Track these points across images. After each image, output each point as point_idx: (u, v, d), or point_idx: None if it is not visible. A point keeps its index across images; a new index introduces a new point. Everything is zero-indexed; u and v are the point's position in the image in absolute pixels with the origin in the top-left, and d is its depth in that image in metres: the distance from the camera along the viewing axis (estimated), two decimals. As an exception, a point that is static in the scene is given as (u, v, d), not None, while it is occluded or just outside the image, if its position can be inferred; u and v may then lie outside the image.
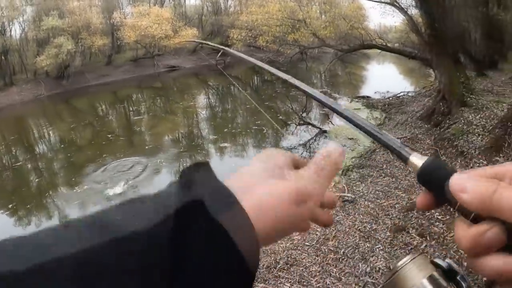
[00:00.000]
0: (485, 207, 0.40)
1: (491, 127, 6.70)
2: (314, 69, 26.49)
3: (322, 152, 0.54)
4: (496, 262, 0.41)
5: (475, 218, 0.42)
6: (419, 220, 4.98)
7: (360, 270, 4.40)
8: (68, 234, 0.37)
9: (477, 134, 6.80)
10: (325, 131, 11.20)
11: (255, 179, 0.48)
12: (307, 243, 5.23)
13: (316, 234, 5.40)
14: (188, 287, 0.38)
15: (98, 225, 0.38)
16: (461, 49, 12.90)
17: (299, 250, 5.13)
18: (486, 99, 8.78)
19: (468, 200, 0.41)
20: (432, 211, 5.07)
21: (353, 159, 8.20)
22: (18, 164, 13.24)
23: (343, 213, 5.85)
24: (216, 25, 37.72)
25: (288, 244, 5.30)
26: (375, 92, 15.71)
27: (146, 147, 12.80)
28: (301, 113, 13.31)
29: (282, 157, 0.54)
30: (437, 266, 0.53)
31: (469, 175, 0.43)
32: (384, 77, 21.71)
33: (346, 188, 6.66)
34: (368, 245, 4.83)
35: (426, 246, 4.43)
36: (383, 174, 6.91)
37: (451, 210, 0.45)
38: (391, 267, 0.53)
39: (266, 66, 0.71)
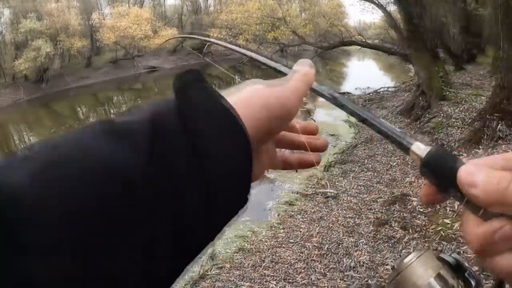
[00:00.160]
0: (497, 202, 0.37)
1: (470, 120, 6.78)
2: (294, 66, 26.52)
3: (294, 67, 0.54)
4: (508, 262, 0.38)
5: (486, 213, 0.38)
6: (402, 213, 5.03)
7: (345, 265, 4.42)
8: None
9: (456, 127, 6.89)
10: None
11: None
12: (291, 240, 5.25)
13: (300, 231, 5.42)
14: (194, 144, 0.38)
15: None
16: (440, 44, 13.06)
17: (283, 247, 5.14)
18: (465, 93, 8.88)
19: (479, 195, 0.37)
20: (414, 203, 5.12)
21: (335, 155, 8.23)
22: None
23: (326, 209, 5.88)
24: (196, 24, 37.52)
25: (272, 242, 5.31)
26: (356, 88, 15.78)
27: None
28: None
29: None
30: (443, 262, 0.49)
31: (479, 166, 0.39)
32: (365, 73, 21.87)
33: (328, 184, 6.69)
34: (352, 239, 4.86)
35: (409, 239, 4.47)
36: (365, 169, 6.96)
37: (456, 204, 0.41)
38: (395, 266, 0.50)
39: (255, 55, 0.68)
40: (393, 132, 0.47)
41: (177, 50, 35.29)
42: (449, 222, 4.33)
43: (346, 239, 4.90)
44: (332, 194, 6.29)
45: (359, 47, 16.57)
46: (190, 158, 0.37)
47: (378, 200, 5.67)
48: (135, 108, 0.41)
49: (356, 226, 5.14)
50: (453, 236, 4.10)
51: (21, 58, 27.51)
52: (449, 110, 7.72)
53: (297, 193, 6.74)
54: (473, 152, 5.68)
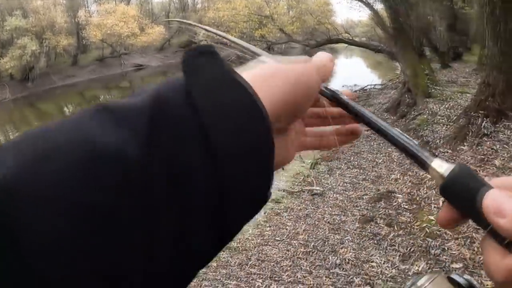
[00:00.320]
0: None
1: (455, 117, 6.82)
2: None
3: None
4: None
5: (510, 243, 0.35)
6: (387, 210, 5.04)
7: (330, 262, 4.42)
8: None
9: (441, 124, 6.92)
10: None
11: None
12: (277, 238, 5.25)
13: (287, 229, 5.42)
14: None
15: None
16: (426, 42, 13.14)
17: (270, 245, 5.14)
18: (451, 90, 8.94)
19: (506, 226, 0.35)
20: (399, 200, 5.14)
21: (322, 153, 8.25)
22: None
23: (313, 206, 5.89)
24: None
25: (259, 240, 5.30)
26: (343, 86, 15.78)
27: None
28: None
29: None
30: (455, 284, 0.46)
31: (507, 194, 0.36)
32: (352, 71, 21.92)
33: (314, 181, 6.70)
34: (338, 237, 4.86)
35: (394, 235, 4.48)
36: (351, 166, 6.98)
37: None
38: None
39: (245, 44, 0.64)
40: (409, 144, 0.43)
41: (164, 48, 35.19)
42: (433, 218, 4.35)
43: (332, 237, 4.90)
44: (319, 191, 6.30)
45: (346, 45, 16.60)
46: (198, 144, 0.33)
47: (364, 197, 5.68)
48: (139, 89, 0.37)
49: (342, 223, 5.14)
50: (438, 232, 4.12)
51: (7, 57, 27.23)
52: (435, 107, 7.76)
53: (283, 191, 6.73)
54: (458, 149, 5.71)
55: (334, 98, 0.49)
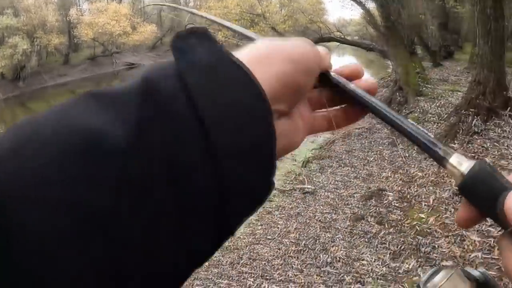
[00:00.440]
0: None
1: (446, 115, 6.86)
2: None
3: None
4: None
5: None
6: (378, 208, 5.05)
7: (321, 260, 4.42)
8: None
9: (432, 122, 6.96)
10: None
11: None
12: (269, 237, 5.24)
13: (278, 227, 5.41)
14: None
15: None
16: (418, 41, 13.19)
17: (261, 244, 5.13)
18: (442, 89, 8.99)
19: None
20: (390, 198, 5.15)
21: (313, 151, 8.25)
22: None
23: (304, 204, 5.89)
24: (176, 20, 37.30)
25: (250, 239, 5.29)
26: (335, 84, 15.83)
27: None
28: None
29: None
30: (471, 278, 0.43)
31: None
32: (344, 70, 21.96)
33: (306, 180, 6.70)
34: (329, 235, 4.86)
35: (384, 233, 4.49)
36: (342, 165, 6.99)
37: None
38: (422, 286, 0.44)
39: (239, 28, 0.60)
40: (425, 138, 0.40)
41: (156, 46, 35.08)
42: (424, 216, 4.36)
43: (323, 235, 4.90)
44: (310, 190, 6.30)
45: (338, 43, 16.62)
46: (191, 128, 0.30)
47: (355, 195, 5.69)
48: (131, 77, 0.34)
49: (333, 222, 5.15)
50: (428, 230, 4.13)
51: (-2, 56, 26.99)
52: (426, 105, 7.80)
53: (275, 189, 6.69)
54: (449, 146, 5.73)
55: (340, 87, 0.45)
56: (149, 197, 0.28)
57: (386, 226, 4.61)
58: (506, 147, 5.08)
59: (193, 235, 0.31)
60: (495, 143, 5.24)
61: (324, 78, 0.44)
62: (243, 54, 0.37)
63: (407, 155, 6.32)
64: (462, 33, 17.02)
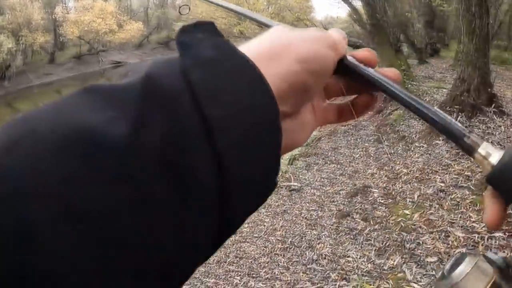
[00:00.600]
0: None
1: (431, 112, 6.90)
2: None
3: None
4: None
5: None
6: (363, 205, 5.06)
7: (307, 258, 4.42)
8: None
9: (417, 119, 6.97)
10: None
11: None
12: (255, 235, 5.24)
13: (264, 225, 5.41)
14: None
15: None
16: (404, 38, 13.27)
17: (248, 242, 5.12)
18: (427, 86, 9.05)
19: None
20: (375, 195, 5.17)
21: (299, 148, 8.25)
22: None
23: (290, 202, 5.88)
24: (162, 18, 37.18)
25: (237, 237, 5.27)
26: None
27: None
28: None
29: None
30: (493, 264, 0.41)
31: None
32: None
33: (292, 177, 6.70)
34: (315, 232, 4.87)
35: (369, 230, 4.50)
36: (328, 162, 6.99)
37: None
38: (446, 273, 0.43)
39: (249, 12, 0.58)
40: (452, 126, 0.38)
41: (142, 44, 34.91)
42: (409, 213, 4.39)
43: (309, 232, 4.90)
44: (296, 187, 6.30)
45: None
46: (194, 125, 0.29)
47: (341, 192, 5.70)
48: (133, 67, 0.33)
49: (319, 219, 5.15)
50: (412, 226, 4.15)
51: (-18, 55, 26.65)
52: (411, 102, 7.83)
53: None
54: (433, 143, 5.77)
55: (357, 73, 0.43)
56: (149, 196, 0.27)
57: (371, 223, 4.62)
58: (491, 144, 5.12)
59: (194, 234, 0.29)
60: (480, 140, 5.28)
61: (340, 65, 0.42)
62: (251, 49, 0.36)
63: (392, 151, 6.35)
64: (448, 31, 17.18)
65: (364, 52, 0.44)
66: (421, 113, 0.40)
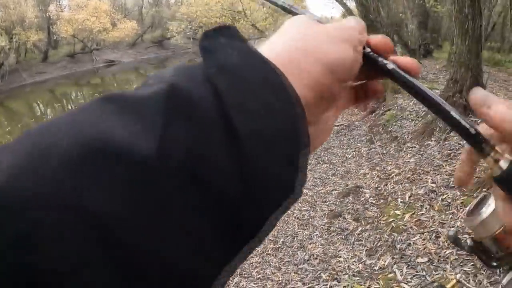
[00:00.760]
0: None
1: (423, 113, 6.90)
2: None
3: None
4: None
5: None
6: (354, 205, 5.07)
7: (299, 258, 4.42)
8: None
9: (410, 120, 7.01)
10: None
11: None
12: (247, 235, 5.23)
13: (256, 225, 5.40)
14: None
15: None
16: (397, 39, 13.31)
17: (239, 242, 5.12)
18: (420, 86, 9.06)
19: None
20: (366, 195, 5.18)
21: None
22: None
23: (282, 202, 5.88)
24: (157, 17, 37.11)
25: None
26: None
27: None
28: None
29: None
30: None
31: None
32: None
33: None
34: (306, 232, 4.87)
35: (361, 230, 4.50)
36: (321, 162, 6.99)
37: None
38: (469, 212, 0.45)
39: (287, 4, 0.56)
40: (468, 128, 0.38)
41: (136, 43, 34.82)
42: (400, 213, 4.39)
43: (300, 232, 4.91)
44: (289, 187, 6.30)
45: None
46: (221, 136, 0.28)
47: (333, 193, 5.71)
48: (154, 75, 0.32)
49: (310, 219, 5.15)
50: (403, 227, 4.16)
51: (-25, 54, 26.51)
52: (403, 103, 7.84)
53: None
54: (425, 144, 5.79)
55: (377, 66, 0.42)
56: (173, 210, 0.26)
57: (363, 223, 4.63)
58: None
59: (215, 248, 0.29)
60: (471, 141, 5.30)
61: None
62: (275, 50, 0.35)
63: (384, 152, 6.37)
64: (441, 32, 17.23)
65: (379, 38, 0.44)
66: (442, 115, 0.40)
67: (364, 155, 6.63)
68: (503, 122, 0.35)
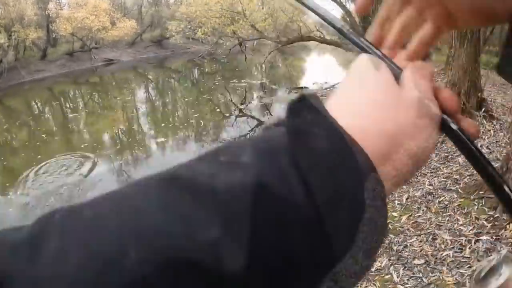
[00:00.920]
0: None
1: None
2: (254, 60, 26.43)
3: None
4: None
5: None
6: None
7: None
8: None
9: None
10: (263, 123, 11.27)
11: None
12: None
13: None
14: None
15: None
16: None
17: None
18: (418, 89, 9.05)
19: None
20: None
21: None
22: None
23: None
24: (156, 16, 37.04)
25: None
26: (314, 83, 15.93)
27: (83, 146, 12.22)
28: (240, 104, 13.92)
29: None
30: None
31: None
32: (324, 68, 22.08)
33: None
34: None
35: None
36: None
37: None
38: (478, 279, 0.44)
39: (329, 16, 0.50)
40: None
41: (135, 42, 34.73)
42: (397, 215, 4.40)
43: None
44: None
45: (318, 42, 16.72)
46: (317, 245, 0.27)
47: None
48: (225, 148, 0.29)
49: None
50: (400, 229, 4.17)
51: (-26, 51, 26.40)
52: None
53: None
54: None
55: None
56: None
57: (360, 225, 4.63)
58: (480, 147, 5.16)
59: None
60: (468, 144, 5.31)
61: None
62: (359, 126, 0.32)
63: (382, 154, 6.38)
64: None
65: (446, 94, 0.39)
66: (494, 187, 0.36)
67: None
68: None
